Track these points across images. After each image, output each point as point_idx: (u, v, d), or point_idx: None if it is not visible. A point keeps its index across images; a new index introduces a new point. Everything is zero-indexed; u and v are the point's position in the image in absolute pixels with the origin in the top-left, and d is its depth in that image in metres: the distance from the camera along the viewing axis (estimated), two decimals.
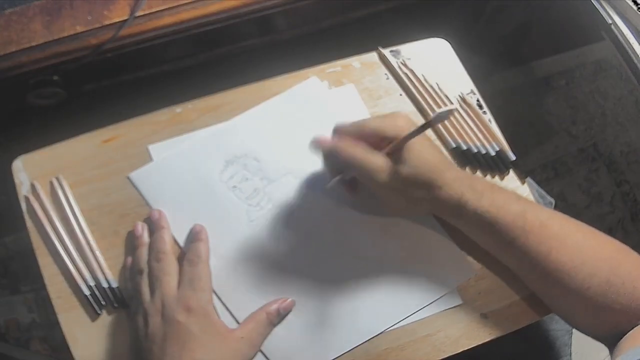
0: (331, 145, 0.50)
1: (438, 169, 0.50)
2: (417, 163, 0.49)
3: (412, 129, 0.47)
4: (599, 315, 0.50)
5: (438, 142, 0.61)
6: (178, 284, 0.49)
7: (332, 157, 0.51)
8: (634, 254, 0.51)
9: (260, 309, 0.51)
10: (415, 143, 0.49)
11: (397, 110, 0.52)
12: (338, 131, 0.51)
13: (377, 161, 0.49)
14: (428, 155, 0.50)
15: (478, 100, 0.63)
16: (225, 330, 0.49)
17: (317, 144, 0.51)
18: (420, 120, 0.61)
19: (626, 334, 0.48)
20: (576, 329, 0.54)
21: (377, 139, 0.49)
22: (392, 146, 0.49)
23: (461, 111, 0.62)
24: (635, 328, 0.48)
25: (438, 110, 0.44)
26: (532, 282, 0.53)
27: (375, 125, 0.49)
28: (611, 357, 0.47)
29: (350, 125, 0.50)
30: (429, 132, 0.61)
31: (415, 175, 0.49)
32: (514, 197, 0.52)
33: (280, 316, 0.51)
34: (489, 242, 0.53)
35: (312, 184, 0.57)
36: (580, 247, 0.50)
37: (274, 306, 0.51)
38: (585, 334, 0.53)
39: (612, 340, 0.49)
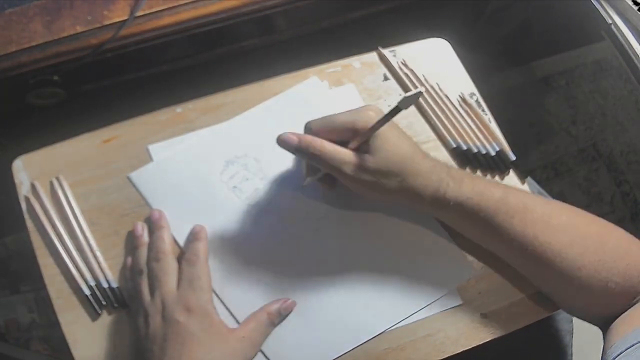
0: (296, 142, 0.49)
1: (410, 158, 0.49)
2: (387, 153, 0.48)
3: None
4: (593, 295, 0.49)
5: (438, 142, 0.61)
6: (178, 284, 0.49)
7: (300, 155, 0.50)
8: (618, 229, 0.51)
9: (261, 309, 0.51)
10: (385, 132, 0.48)
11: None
12: (309, 127, 0.50)
13: (344, 155, 0.48)
14: (399, 144, 0.49)
15: (478, 100, 0.63)
16: (225, 329, 0.49)
17: (282, 143, 0.50)
18: (422, 121, 0.62)
19: (620, 314, 0.47)
20: (570, 312, 0.54)
21: (349, 133, 0.49)
22: (360, 137, 0.48)
23: (461, 111, 0.62)
24: (631, 309, 0.47)
25: (404, 95, 0.43)
26: (522, 267, 0.52)
27: (346, 118, 0.49)
28: (604, 338, 0.47)
29: (321, 121, 0.50)
30: (437, 132, 0.61)
31: (387, 166, 0.48)
32: (493, 182, 0.51)
33: (281, 316, 0.51)
34: (474, 230, 0.52)
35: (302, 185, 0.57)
36: (567, 227, 0.50)
37: (275, 306, 0.51)
38: (579, 317, 0.53)
39: (606, 322, 0.48)
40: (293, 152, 0.50)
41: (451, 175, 0.50)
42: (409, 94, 0.43)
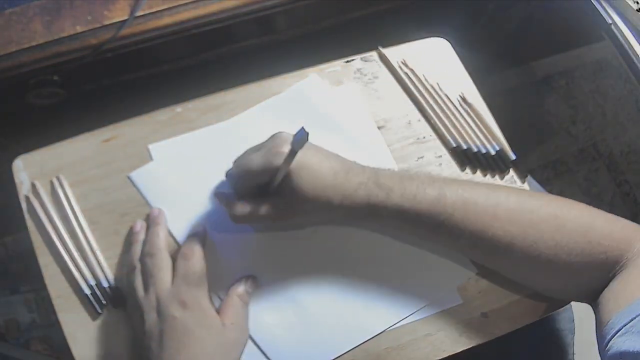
0: (224, 205, 0.51)
1: (333, 183, 0.48)
2: (310, 192, 0.47)
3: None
4: (563, 278, 0.48)
5: (438, 142, 0.61)
6: (172, 280, 0.49)
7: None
8: (579, 206, 0.50)
9: (229, 294, 0.51)
10: (301, 166, 0.47)
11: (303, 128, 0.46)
12: (230, 179, 0.52)
13: (267, 211, 0.48)
14: (318, 176, 0.48)
15: (478, 100, 0.63)
16: (220, 322, 0.49)
17: (219, 198, 0.53)
18: (422, 121, 0.62)
19: (602, 287, 0.46)
20: (554, 296, 0.53)
21: (269, 174, 0.48)
22: (275, 184, 0.48)
23: (461, 111, 0.62)
24: (615, 283, 0.46)
25: (294, 136, 0.43)
26: (482, 261, 0.52)
27: (260, 163, 0.47)
28: (596, 315, 0.46)
29: (236, 171, 0.50)
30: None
31: (313, 201, 0.48)
32: (428, 181, 0.49)
33: (249, 295, 0.52)
34: (418, 235, 0.52)
35: None
36: (515, 215, 0.48)
37: (241, 288, 0.51)
38: (565, 299, 0.52)
39: (592, 297, 0.48)
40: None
41: (379, 186, 0.48)
42: (296, 133, 0.43)
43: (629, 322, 0.41)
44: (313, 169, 0.48)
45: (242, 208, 0.49)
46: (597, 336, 0.44)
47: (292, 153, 0.44)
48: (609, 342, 0.41)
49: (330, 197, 0.48)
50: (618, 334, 0.41)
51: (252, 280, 0.52)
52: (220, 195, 0.53)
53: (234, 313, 0.50)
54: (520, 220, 0.48)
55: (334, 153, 0.50)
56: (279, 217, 0.49)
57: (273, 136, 0.49)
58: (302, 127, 0.42)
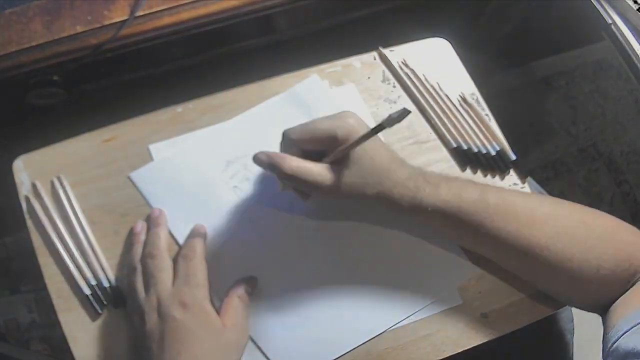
0: (271, 161, 0.48)
1: (387, 169, 0.49)
2: (364, 166, 0.48)
3: (361, 129, 0.46)
4: (587, 284, 0.49)
5: (438, 142, 0.61)
6: (173, 280, 0.49)
7: (276, 173, 0.49)
8: (604, 215, 0.51)
9: (230, 295, 0.51)
10: (361, 147, 0.48)
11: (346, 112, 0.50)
12: (287, 136, 0.50)
13: (319, 173, 0.48)
14: (376, 156, 0.49)
15: (478, 100, 0.63)
16: (221, 323, 0.49)
17: (259, 161, 0.49)
18: (422, 121, 0.62)
19: (617, 299, 0.47)
20: (567, 304, 0.54)
21: (329, 142, 0.48)
22: (339, 152, 0.48)
23: (461, 111, 0.62)
24: (629, 291, 0.47)
25: (391, 114, 0.42)
26: (512, 265, 0.52)
27: (326, 127, 0.48)
28: (604, 323, 0.46)
29: (300, 129, 0.49)
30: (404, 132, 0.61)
31: (364, 178, 0.48)
32: (470, 182, 0.51)
33: (249, 296, 0.51)
34: (457, 233, 0.52)
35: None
36: (550, 219, 0.49)
37: (241, 289, 0.51)
38: (577, 307, 0.53)
39: (604, 308, 0.48)
40: (269, 169, 0.49)
41: (427, 181, 0.50)
42: (395, 113, 0.42)
43: (635, 325, 0.41)
44: (373, 150, 0.49)
45: (298, 163, 0.48)
46: (602, 342, 0.45)
47: (379, 129, 0.44)
48: (614, 343, 0.42)
49: (383, 181, 0.49)
50: (624, 335, 0.41)
51: (252, 281, 0.52)
52: (267, 153, 0.49)
53: (234, 314, 0.50)
54: (555, 224, 0.49)
55: (386, 144, 0.52)
56: (331, 187, 0.48)
57: (341, 112, 0.49)
58: (405, 107, 0.42)
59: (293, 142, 0.49)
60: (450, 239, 0.53)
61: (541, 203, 0.51)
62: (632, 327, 0.41)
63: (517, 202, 0.50)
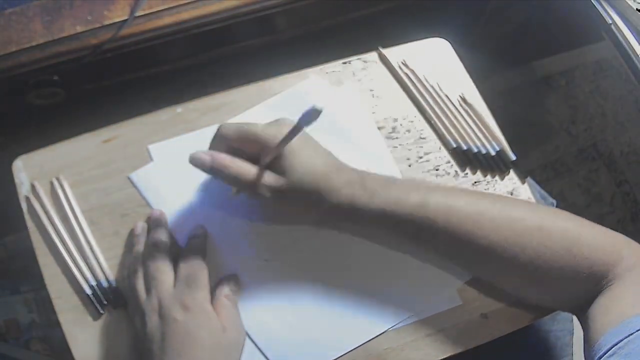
0: (209, 164, 0.47)
1: (324, 174, 0.47)
2: (299, 172, 0.47)
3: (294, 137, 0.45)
4: (548, 287, 0.48)
5: (438, 142, 0.61)
6: (174, 282, 0.49)
7: (214, 176, 0.49)
8: (565, 215, 0.49)
9: (216, 297, 0.50)
10: (296, 150, 0.47)
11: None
12: (221, 132, 0.49)
13: (254, 176, 0.47)
14: (311, 161, 0.47)
15: (478, 100, 0.63)
16: (221, 326, 0.48)
17: (194, 162, 0.48)
18: (422, 121, 0.62)
19: (590, 299, 0.46)
20: (539, 304, 0.53)
21: (260, 146, 0.47)
22: (268, 155, 0.47)
23: (461, 111, 0.62)
24: (603, 297, 0.45)
25: (303, 112, 0.40)
26: (466, 269, 0.52)
27: (260, 131, 0.47)
28: (582, 325, 0.46)
29: (235, 128, 0.48)
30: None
31: (301, 185, 0.47)
32: (412, 187, 0.49)
33: (236, 294, 0.51)
34: (397, 241, 0.51)
35: None
36: (498, 225, 0.47)
37: (226, 288, 0.51)
38: (550, 307, 0.52)
39: (578, 308, 0.48)
40: (207, 173, 0.48)
41: (364, 187, 0.48)
42: (306, 110, 0.40)
43: (617, 344, 0.40)
44: (307, 155, 0.48)
45: (248, 168, 0.47)
46: (585, 354, 0.44)
47: (297, 129, 0.43)
48: None
49: (319, 187, 0.47)
50: (606, 355, 0.40)
51: (235, 280, 0.52)
52: (212, 153, 0.48)
53: (227, 314, 0.49)
54: (504, 230, 0.47)
55: (328, 150, 0.50)
56: (277, 194, 0.47)
57: (280, 119, 0.49)
58: (314, 105, 0.40)
59: (224, 139, 0.49)
60: (396, 248, 0.52)
61: (492, 205, 0.48)
62: (613, 345, 0.40)
63: (463, 206, 0.48)
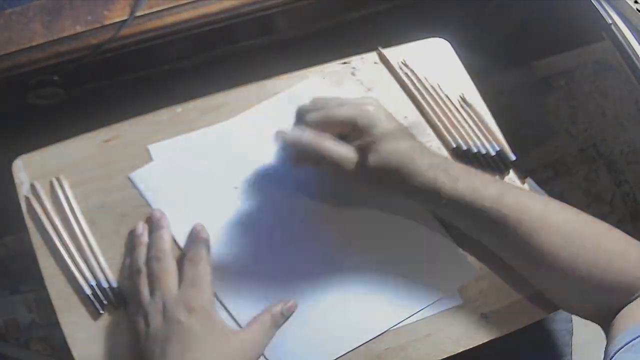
0: (298, 137, 0.50)
1: (409, 157, 0.50)
2: (387, 152, 0.49)
3: (381, 117, 0.49)
4: (588, 295, 0.49)
5: (438, 142, 0.61)
6: (179, 284, 0.49)
7: (300, 148, 0.51)
8: (616, 231, 0.51)
9: (264, 311, 0.50)
10: (385, 131, 0.49)
11: (368, 101, 0.52)
12: (306, 119, 0.51)
13: (346, 153, 0.50)
14: (398, 143, 0.50)
15: (478, 100, 0.63)
16: (227, 330, 0.48)
17: (282, 136, 0.51)
18: (422, 121, 0.62)
19: (619, 311, 0.47)
20: (568, 311, 0.55)
21: (348, 128, 0.50)
22: (366, 139, 0.49)
23: (461, 111, 0.62)
24: (631, 304, 0.47)
25: None
26: (517, 265, 0.53)
27: (345, 114, 0.50)
28: (607, 336, 0.47)
29: (320, 114, 0.51)
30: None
31: (386, 164, 0.49)
32: (491, 180, 0.52)
33: (284, 317, 0.51)
34: (469, 226, 0.53)
35: (306, 186, 0.57)
36: (563, 227, 0.50)
37: (278, 308, 0.51)
38: (578, 315, 0.53)
39: (605, 319, 0.49)
40: (295, 148, 0.51)
41: (448, 173, 0.50)
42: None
43: (634, 339, 0.42)
44: (394, 136, 0.50)
45: (324, 138, 0.49)
46: (604, 355, 0.45)
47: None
48: (612, 357, 0.42)
49: (402, 170, 0.50)
50: (622, 349, 0.42)
51: (292, 304, 0.52)
52: (284, 132, 0.51)
53: (255, 330, 0.49)
54: (567, 233, 0.49)
55: (412, 132, 0.53)
56: (355, 170, 0.50)
57: (361, 98, 0.52)
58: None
59: (308, 126, 0.51)
60: (463, 229, 0.54)
61: (559, 211, 0.51)
62: (630, 341, 0.42)
63: (534, 207, 0.50)
